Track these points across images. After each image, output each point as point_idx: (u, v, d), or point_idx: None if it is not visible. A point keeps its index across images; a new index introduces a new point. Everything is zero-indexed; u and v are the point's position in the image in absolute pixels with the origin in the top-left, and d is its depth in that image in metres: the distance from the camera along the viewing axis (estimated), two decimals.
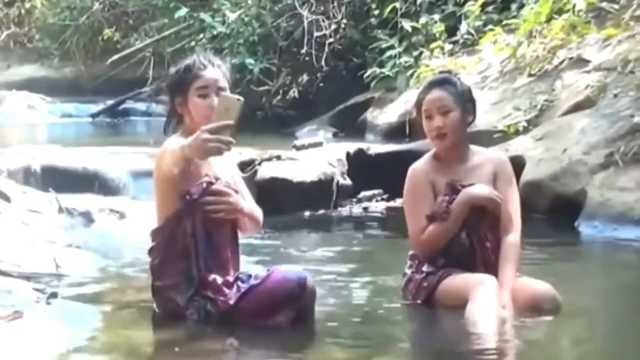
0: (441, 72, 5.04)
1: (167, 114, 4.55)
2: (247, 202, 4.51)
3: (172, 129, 4.48)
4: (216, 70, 4.40)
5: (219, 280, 4.32)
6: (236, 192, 4.45)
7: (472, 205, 4.68)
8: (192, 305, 4.31)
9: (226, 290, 4.32)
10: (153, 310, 4.46)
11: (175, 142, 4.16)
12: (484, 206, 4.69)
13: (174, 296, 4.33)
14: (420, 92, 4.91)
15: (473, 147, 4.88)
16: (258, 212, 4.56)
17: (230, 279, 4.36)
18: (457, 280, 4.60)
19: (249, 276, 4.39)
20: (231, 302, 4.28)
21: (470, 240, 4.71)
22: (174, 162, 4.08)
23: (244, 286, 4.32)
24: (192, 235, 4.31)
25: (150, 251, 4.43)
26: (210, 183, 4.33)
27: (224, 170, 4.47)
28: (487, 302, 4.40)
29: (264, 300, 4.27)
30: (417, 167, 4.84)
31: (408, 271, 4.84)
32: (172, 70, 4.49)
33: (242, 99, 4.01)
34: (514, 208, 4.77)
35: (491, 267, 4.67)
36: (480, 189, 4.71)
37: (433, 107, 4.73)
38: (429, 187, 4.75)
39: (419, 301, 4.70)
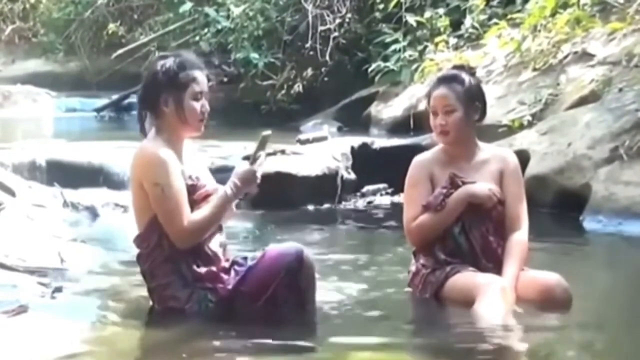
0: (455, 67, 5.00)
1: (147, 110, 4.41)
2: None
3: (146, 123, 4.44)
4: (204, 74, 4.43)
5: (214, 268, 4.34)
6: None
7: (470, 203, 4.68)
8: (192, 299, 4.31)
9: (224, 276, 4.35)
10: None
11: (168, 157, 4.24)
12: (482, 204, 4.69)
13: (171, 294, 4.34)
14: (430, 86, 4.93)
15: (481, 144, 4.87)
16: None
17: (227, 264, 4.38)
18: (465, 279, 4.58)
19: (245, 258, 4.43)
20: (229, 287, 4.30)
21: (467, 236, 4.70)
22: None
23: (241, 270, 4.36)
24: None
25: (139, 258, 4.44)
26: (193, 185, 4.34)
27: (195, 164, 4.48)
28: (494, 301, 4.39)
29: (263, 279, 4.29)
30: (421, 157, 4.85)
31: (413, 266, 4.84)
32: (159, 66, 4.36)
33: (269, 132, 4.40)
34: (520, 206, 4.75)
35: (497, 262, 4.66)
36: (480, 188, 4.70)
37: (438, 105, 4.75)
38: (427, 178, 4.76)
39: (426, 295, 4.70)
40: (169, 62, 4.37)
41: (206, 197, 4.35)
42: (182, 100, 4.33)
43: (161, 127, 4.37)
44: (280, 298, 4.29)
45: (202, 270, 4.33)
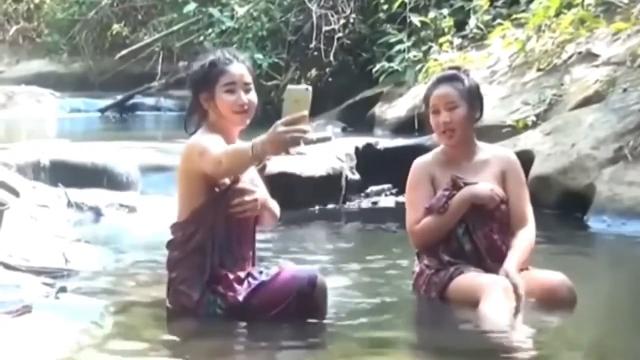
0: (450, 68, 5.03)
1: (189, 109, 4.53)
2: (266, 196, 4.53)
3: (194, 124, 4.48)
4: (241, 65, 4.42)
5: (231, 275, 4.33)
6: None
7: (472, 204, 4.68)
8: (202, 301, 4.31)
9: (237, 286, 4.33)
10: (163, 305, 4.46)
11: (211, 140, 4.21)
12: (484, 205, 4.69)
13: (185, 290, 4.33)
14: (428, 87, 4.93)
15: (480, 144, 4.87)
16: (275, 206, 4.58)
17: (242, 274, 4.36)
18: (469, 279, 4.58)
19: (260, 272, 4.40)
20: (240, 297, 4.29)
21: (470, 237, 4.70)
22: (239, 165, 4.17)
23: (254, 282, 4.33)
24: (211, 229, 4.33)
25: (169, 244, 4.44)
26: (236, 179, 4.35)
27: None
28: (498, 302, 4.39)
29: (273, 297, 4.27)
30: (421, 159, 4.86)
31: (417, 267, 4.84)
32: (196, 65, 4.46)
33: (310, 87, 4.12)
34: (525, 205, 4.76)
35: (503, 261, 4.63)
36: (482, 188, 4.70)
37: (440, 103, 4.75)
38: (428, 180, 4.76)
39: (430, 296, 4.70)
40: (203, 62, 4.42)
41: (241, 193, 4.35)
42: (214, 94, 4.36)
43: (209, 126, 4.40)
44: (289, 314, 4.28)
45: (222, 272, 4.32)
